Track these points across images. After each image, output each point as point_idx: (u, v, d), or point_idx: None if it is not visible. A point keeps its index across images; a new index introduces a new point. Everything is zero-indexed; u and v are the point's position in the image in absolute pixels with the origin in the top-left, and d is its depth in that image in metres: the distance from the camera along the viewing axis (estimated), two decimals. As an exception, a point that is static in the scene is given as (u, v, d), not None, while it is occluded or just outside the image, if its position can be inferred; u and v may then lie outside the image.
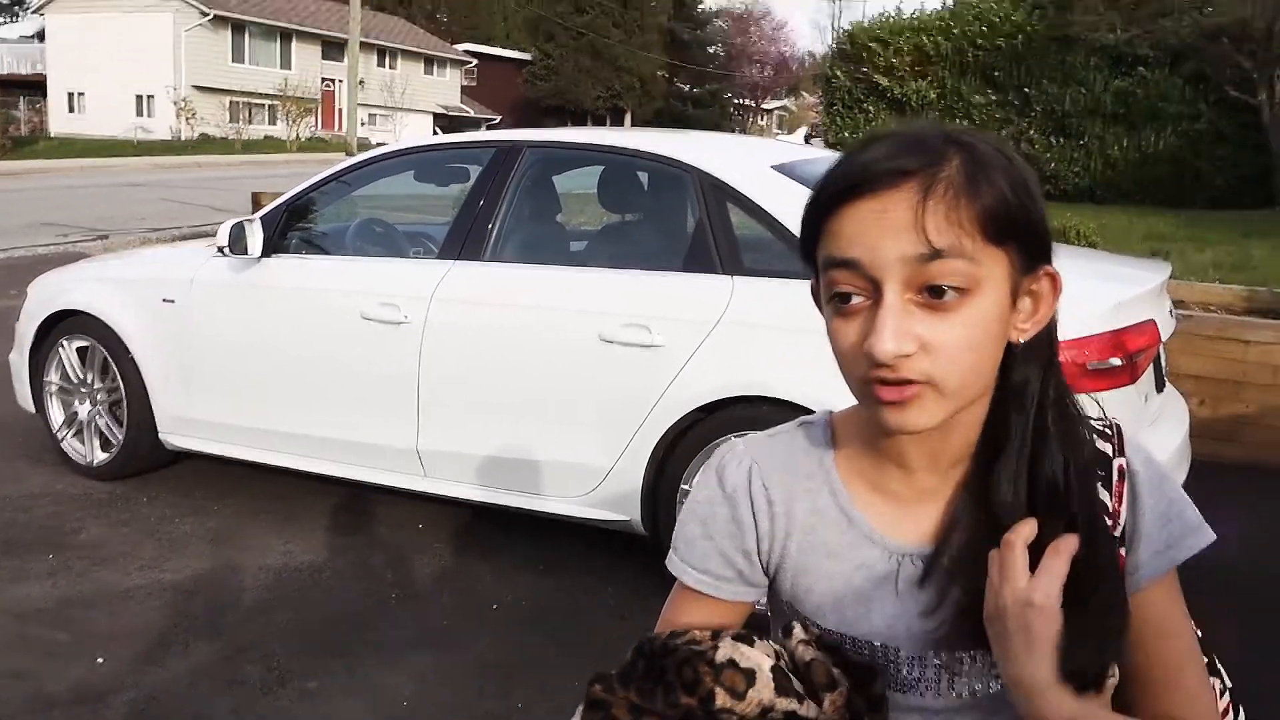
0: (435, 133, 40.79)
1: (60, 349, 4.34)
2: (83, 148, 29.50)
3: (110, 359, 4.21)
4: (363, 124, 34.86)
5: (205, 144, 33.42)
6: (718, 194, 3.35)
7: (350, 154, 16.61)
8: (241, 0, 39.12)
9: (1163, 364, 3.42)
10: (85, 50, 37.39)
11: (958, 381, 0.84)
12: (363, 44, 29.76)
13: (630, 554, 3.50)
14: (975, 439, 0.91)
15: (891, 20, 18.31)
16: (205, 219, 13.18)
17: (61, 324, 4.33)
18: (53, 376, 4.39)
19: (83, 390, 4.33)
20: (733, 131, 48.52)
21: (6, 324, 4.94)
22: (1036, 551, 0.85)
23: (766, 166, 3.47)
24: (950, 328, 0.82)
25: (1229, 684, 1.00)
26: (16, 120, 35.14)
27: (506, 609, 3.29)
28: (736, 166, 3.46)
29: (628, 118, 48.56)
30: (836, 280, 0.86)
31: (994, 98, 16.87)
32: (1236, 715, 1.00)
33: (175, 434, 4.15)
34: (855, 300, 0.85)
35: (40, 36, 42.43)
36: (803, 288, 0.96)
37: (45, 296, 4.43)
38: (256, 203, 8.79)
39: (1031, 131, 16.39)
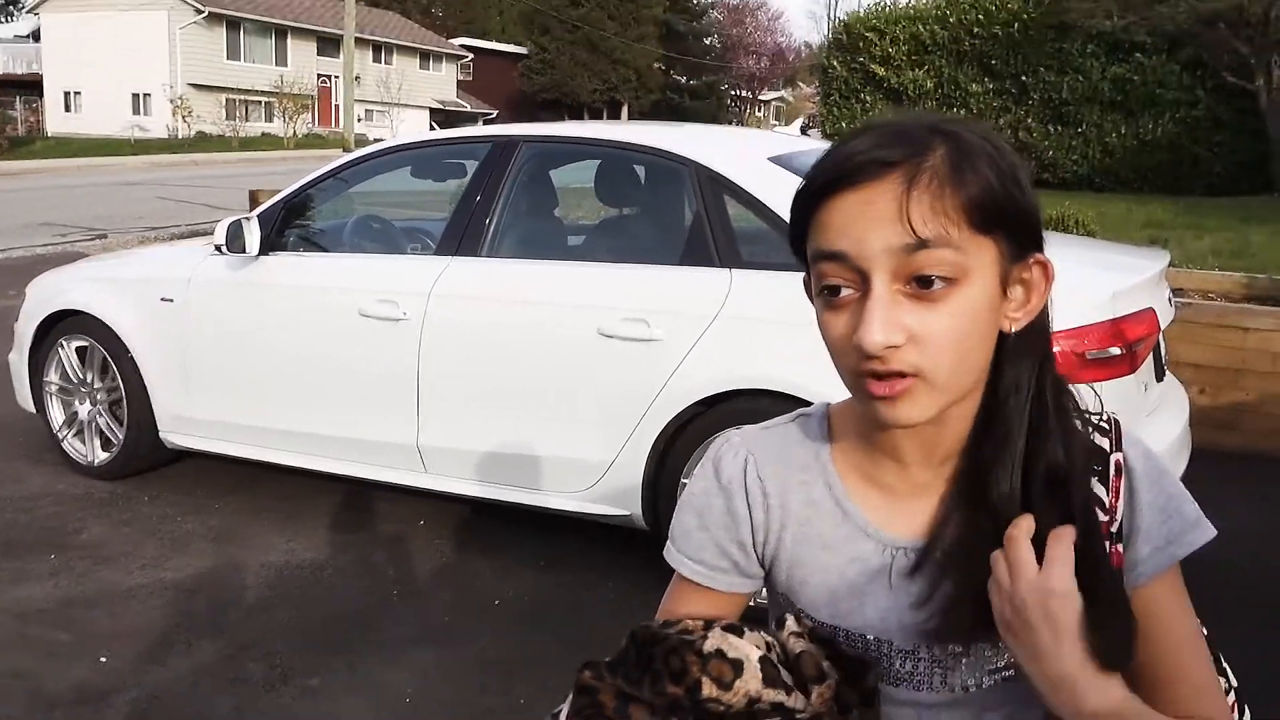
0: (432, 128, 40.74)
1: (60, 349, 4.34)
2: (79, 147, 29.45)
3: (110, 358, 4.21)
4: (359, 120, 34.83)
5: (202, 142, 33.37)
6: (715, 187, 3.35)
7: (347, 150, 16.60)
8: (236, -3, 39.06)
9: (1162, 352, 3.42)
10: (81, 49, 37.34)
11: (948, 372, 0.84)
12: (358, 39, 29.73)
13: (631, 549, 3.50)
14: (969, 432, 0.91)
15: (887, 9, 18.27)
16: (203, 217, 13.17)
17: (61, 324, 4.33)
18: (52, 376, 4.39)
19: (83, 390, 4.33)
20: (730, 123, 48.52)
21: (6, 324, 4.94)
22: (1034, 547, 0.85)
23: (763, 158, 3.46)
24: (939, 318, 0.82)
25: (1234, 683, 0.99)
26: (13, 120, 35.08)
27: (508, 605, 3.29)
28: (733, 159, 3.45)
29: (624, 111, 48.51)
30: (825, 273, 0.86)
31: (991, 86, 16.84)
32: (1242, 715, 0.99)
33: (175, 433, 4.15)
34: (844, 293, 0.85)
35: (35, 36, 42.39)
36: (801, 280, 0.96)
37: (44, 296, 4.43)
38: (254, 200, 8.78)
39: (1029, 120, 16.37)
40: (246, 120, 38.46)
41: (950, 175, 0.82)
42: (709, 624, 0.91)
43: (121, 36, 36.79)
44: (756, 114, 62.34)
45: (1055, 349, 2.88)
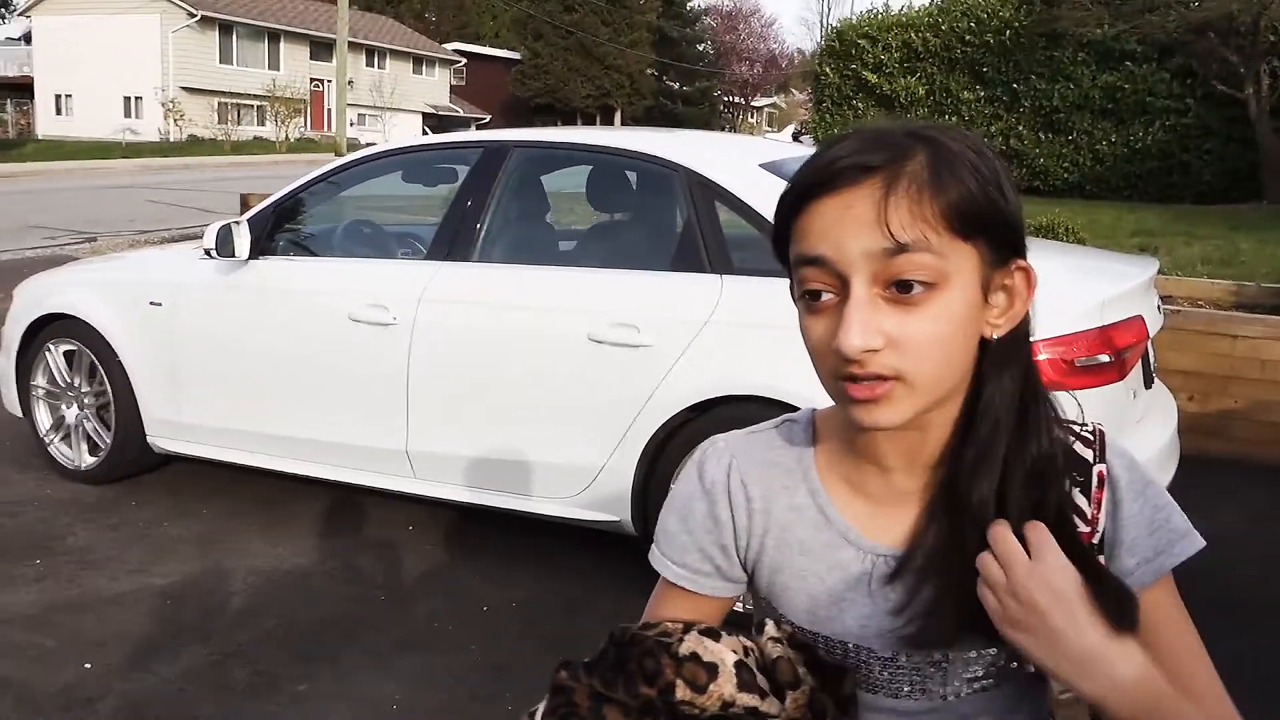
0: (424, 132, 40.75)
1: (47, 352, 4.32)
2: (70, 150, 29.37)
3: (97, 362, 4.19)
4: (352, 124, 34.85)
5: (194, 145, 33.30)
6: (706, 193, 3.35)
7: (339, 154, 16.58)
8: (229, 1, 38.99)
9: (1151, 360, 3.43)
10: (72, 52, 37.26)
11: (929, 376, 0.84)
12: (351, 44, 29.72)
13: (621, 554, 3.49)
14: (952, 440, 0.91)
15: (880, 17, 18.36)
16: (194, 221, 13.13)
17: (48, 327, 4.31)
18: (40, 380, 4.37)
19: (70, 394, 4.31)
20: (723, 129, 48.60)
21: (-7, 328, 4.91)
22: None
23: (754, 165, 3.47)
24: (919, 322, 0.82)
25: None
26: (4, 123, 35.04)
27: (496, 611, 3.28)
28: (724, 165, 3.45)
29: (617, 116, 48.55)
30: (806, 278, 0.86)
31: (982, 94, 16.91)
32: None
33: (163, 437, 4.13)
34: (825, 297, 0.85)
35: (27, 39, 42.26)
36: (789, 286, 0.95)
37: (32, 300, 4.40)
38: (245, 204, 8.76)
39: (1020, 127, 16.44)
40: (238, 124, 38.40)
41: (930, 180, 0.82)
42: (688, 627, 0.91)
43: (113, 39, 36.73)
44: (749, 120, 62.45)
45: (1044, 356, 2.88)
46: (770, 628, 0.93)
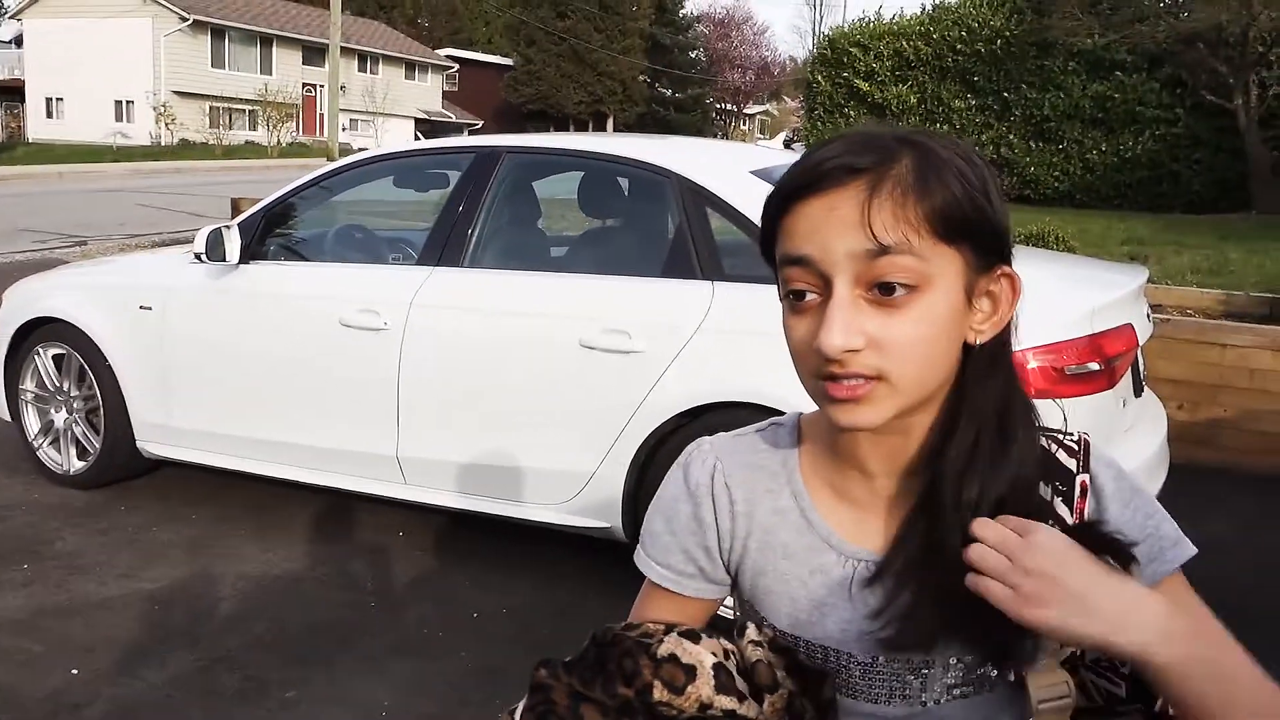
0: (417, 138, 40.72)
1: (36, 356, 4.30)
2: (61, 153, 29.28)
3: (87, 367, 4.17)
4: (344, 129, 34.80)
5: (185, 150, 33.21)
6: (697, 199, 3.35)
7: (331, 159, 16.54)
8: (221, 5, 38.94)
9: (1141, 368, 3.44)
10: (64, 55, 37.16)
11: (910, 377, 0.84)
12: (344, 49, 29.70)
13: (612, 561, 3.49)
14: (934, 445, 0.91)
15: (872, 25, 18.39)
16: (185, 225, 13.09)
17: (37, 331, 4.29)
18: (28, 384, 4.35)
19: (59, 398, 4.29)
20: (715, 136, 48.66)
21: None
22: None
23: (746, 171, 3.47)
24: (900, 324, 0.83)
25: None
26: (-6, 126, 34.89)
27: (487, 616, 3.27)
28: (716, 172, 3.46)
29: (610, 123, 48.58)
30: (790, 278, 0.86)
31: (974, 102, 16.96)
32: None
33: (153, 442, 4.11)
34: (808, 297, 0.85)
35: (18, 42, 42.16)
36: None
37: (20, 303, 4.39)
38: (236, 209, 8.74)
39: (1011, 136, 16.48)
40: (230, 128, 38.33)
41: (914, 184, 0.83)
42: (669, 628, 0.91)
43: (105, 43, 36.64)
44: (741, 128, 62.56)
45: (1034, 364, 2.88)
46: (751, 631, 0.93)
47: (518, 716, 0.92)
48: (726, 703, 0.86)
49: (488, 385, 3.46)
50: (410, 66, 47.65)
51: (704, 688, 0.86)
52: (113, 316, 4.12)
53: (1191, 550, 0.92)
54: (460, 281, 3.58)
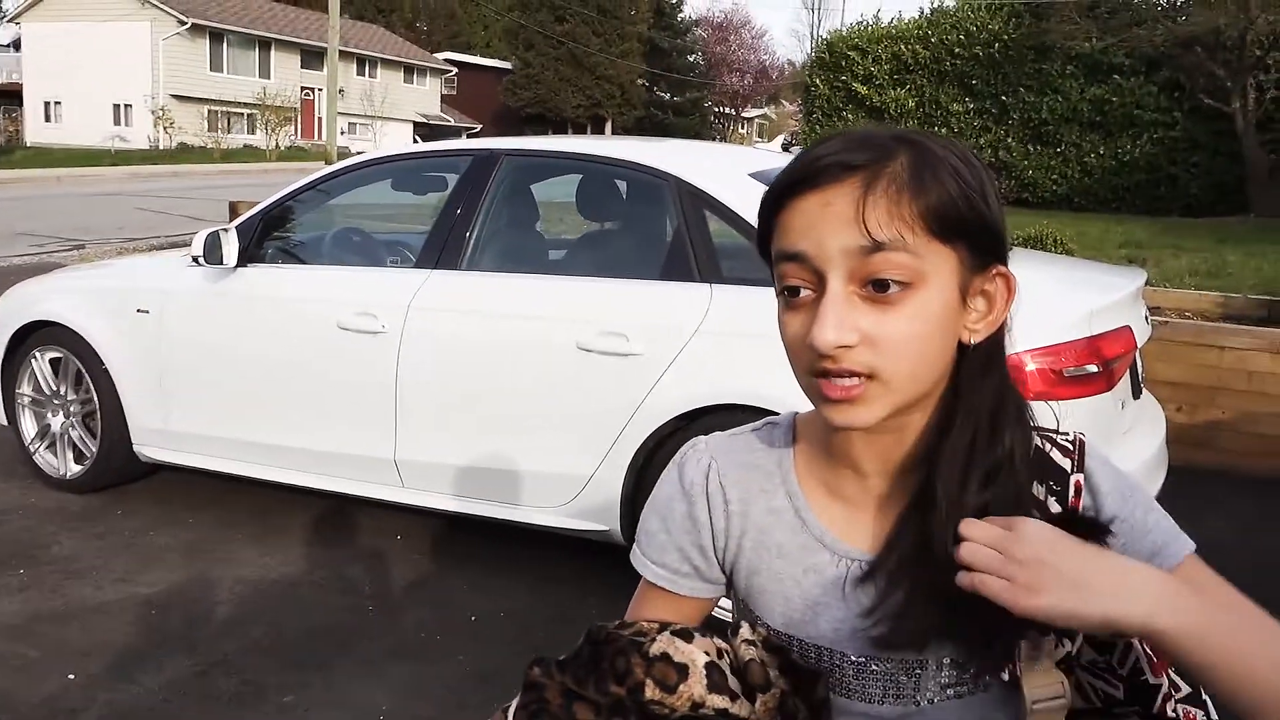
0: (415, 141, 40.73)
1: (33, 360, 4.29)
2: (59, 157, 29.29)
3: (84, 370, 4.16)
4: (342, 133, 34.74)
5: (183, 153, 33.22)
6: (695, 202, 3.35)
7: (329, 163, 16.53)
8: (220, 9, 38.95)
9: (1139, 370, 3.44)
10: (62, 59, 37.14)
11: (903, 375, 0.84)
12: (342, 53, 29.68)
13: (610, 564, 3.48)
14: (927, 445, 0.91)
15: (870, 29, 18.43)
16: (183, 229, 13.09)
17: (34, 335, 4.29)
18: (25, 388, 4.34)
19: (56, 402, 4.28)
20: (713, 140, 48.69)
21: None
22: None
23: (744, 174, 3.47)
24: (894, 321, 0.83)
25: (1214, 716, 0.96)
26: (-8, 130, 34.89)
27: (485, 620, 3.27)
28: (714, 174, 3.45)
29: (608, 126, 48.62)
30: (785, 273, 0.87)
31: (971, 106, 17.00)
32: None
33: (150, 446, 4.10)
34: (803, 293, 0.86)
35: (16, 45, 42.15)
36: None
37: (17, 307, 4.38)
38: (234, 212, 8.73)
39: (1009, 139, 16.52)
40: (229, 132, 38.33)
41: (910, 182, 0.83)
42: (663, 627, 0.91)
43: (103, 47, 36.63)
44: (740, 131, 62.61)
45: (1032, 366, 2.88)
46: (745, 630, 0.93)
47: (511, 714, 0.92)
48: (719, 701, 0.86)
49: (486, 388, 3.46)
50: (409, 70, 47.67)
51: (696, 686, 0.86)
52: (110, 320, 4.11)
53: (1190, 545, 0.92)
54: (458, 284, 3.58)
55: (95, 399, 4.14)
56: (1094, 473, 0.93)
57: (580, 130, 46.61)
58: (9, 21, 39.83)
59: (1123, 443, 3.16)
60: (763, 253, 0.92)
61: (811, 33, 58.80)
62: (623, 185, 3.92)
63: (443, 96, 50.55)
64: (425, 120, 46.99)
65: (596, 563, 3.54)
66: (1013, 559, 0.81)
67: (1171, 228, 11.97)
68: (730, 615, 1.03)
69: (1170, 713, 0.94)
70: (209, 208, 14.97)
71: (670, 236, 3.51)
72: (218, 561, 3.65)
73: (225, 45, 39.50)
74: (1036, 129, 16.29)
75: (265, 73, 40.52)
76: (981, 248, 0.86)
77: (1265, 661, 0.80)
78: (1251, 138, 13.86)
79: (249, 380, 3.87)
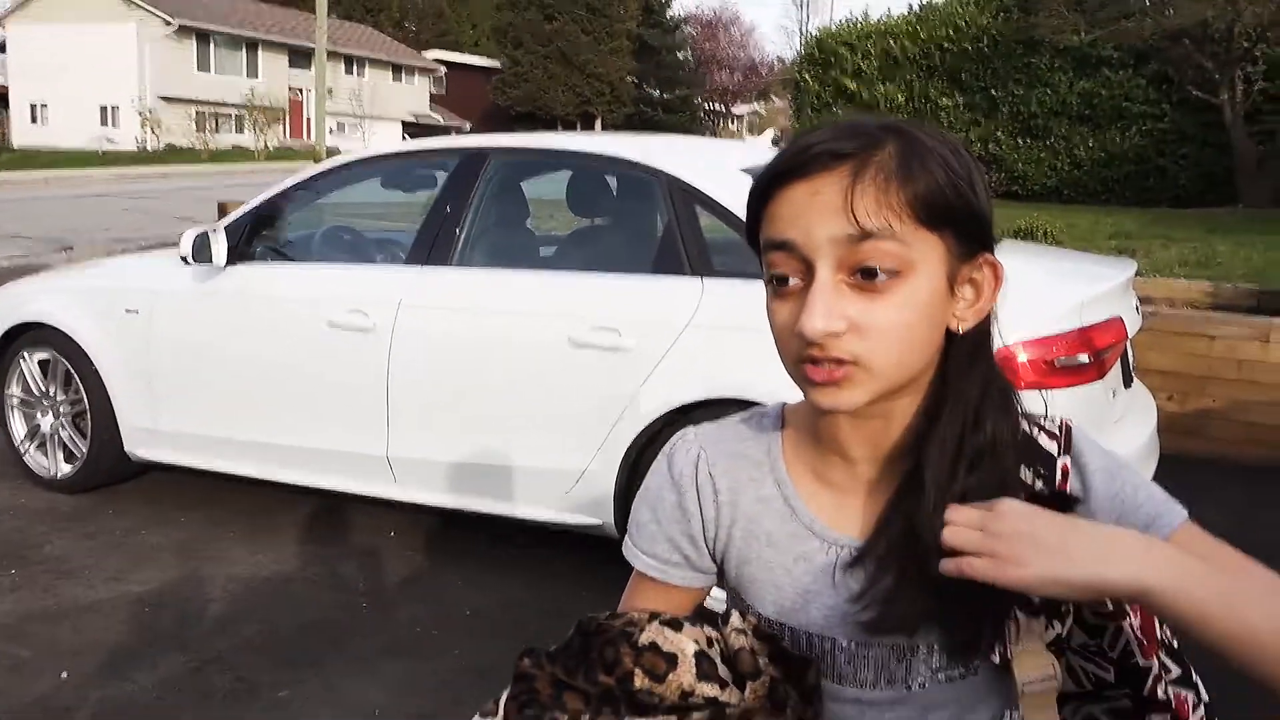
0: (404, 140, 40.60)
1: (22, 361, 4.28)
2: (47, 159, 29.16)
3: (73, 371, 4.14)
4: (331, 133, 34.64)
5: (172, 154, 33.13)
6: (686, 197, 3.34)
7: (318, 163, 16.48)
8: (206, 10, 38.83)
9: (1130, 360, 3.45)
10: (48, 61, 37.01)
11: (889, 362, 0.84)
12: (330, 52, 29.58)
13: (604, 558, 3.48)
14: (916, 431, 0.91)
15: (859, 25, 18.44)
16: (171, 229, 13.03)
17: (23, 336, 4.27)
18: (14, 389, 4.32)
19: (45, 403, 4.27)
20: (703, 136, 48.57)
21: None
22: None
23: (735, 169, 3.47)
24: (883, 309, 0.83)
25: (1205, 698, 0.97)
26: (-22, 133, 34.72)
27: (479, 616, 3.26)
28: (704, 169, 3.45)
29: (598, 124, 48.56)
30: (774, 262, 0.87)
31: (961, 100, 17.01)
32: None
33: (141, 446, 4.09)
34: (792, 282, 0.86)
35: (1, 48, 41.94)
36: None
37: (5, 308, 4.35)
38: (223, 212, 8.70)
39: (999, 133, 16.54)
40: (217, 133, 38.21)
41: (898, 170, 0.83)
42: (653, 617, 0.91)
43: (89, 49, 36.50)
44: (730, 128, 62.60)
45: (1024, 357, 2.88)
46: (735, 619, 0.93)
47: (501, 705, 0.92)
48: (708, 690, 0.87)
49: (477, 384, 3.45)
50: (397, 69, 47.59)
51: (685, 675, 0.86)
52: (99, 320, 4.09)
53: (1183, 513, 0.92)
54: (449, 281, 3.57)
55: (85, 399, 4.12)
56: (1082, 453, 0.93)
57: (570, 128, 46.54)
58: (-6, 24, 39.65)
59: (1114, 431, 3.17)
60: (751, 242, 0.92)
61: (800, 29, 58.85)
62: (612, 181, 3.91)
63: (432, 96, 50.48)
64: (414, 120, 46.89)
65: (591, 557, 3.54)
66: (994, 535, 0.82)
67: (1161, 218, 12.00)
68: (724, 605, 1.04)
69: (1161, 695, 0.94)
70: (198, 208, 14.91)
71: (661, 231, 3.51)
72: (210, 560, 3.64)
73: (212, 46, 39.39)
74: (1026, 122, 16.32)
75: (253, 73, 40.43)
76: (969, 236, 0.87)
77: (1261, 613, 0.80)
78: (1239, 129, 13.90)
79: (239, 379, 3.86)
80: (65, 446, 4.24)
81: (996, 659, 0.90)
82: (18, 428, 4.33)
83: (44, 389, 4.26)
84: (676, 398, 3.13)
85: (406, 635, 3.13)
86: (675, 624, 0.90)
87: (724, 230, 3.31)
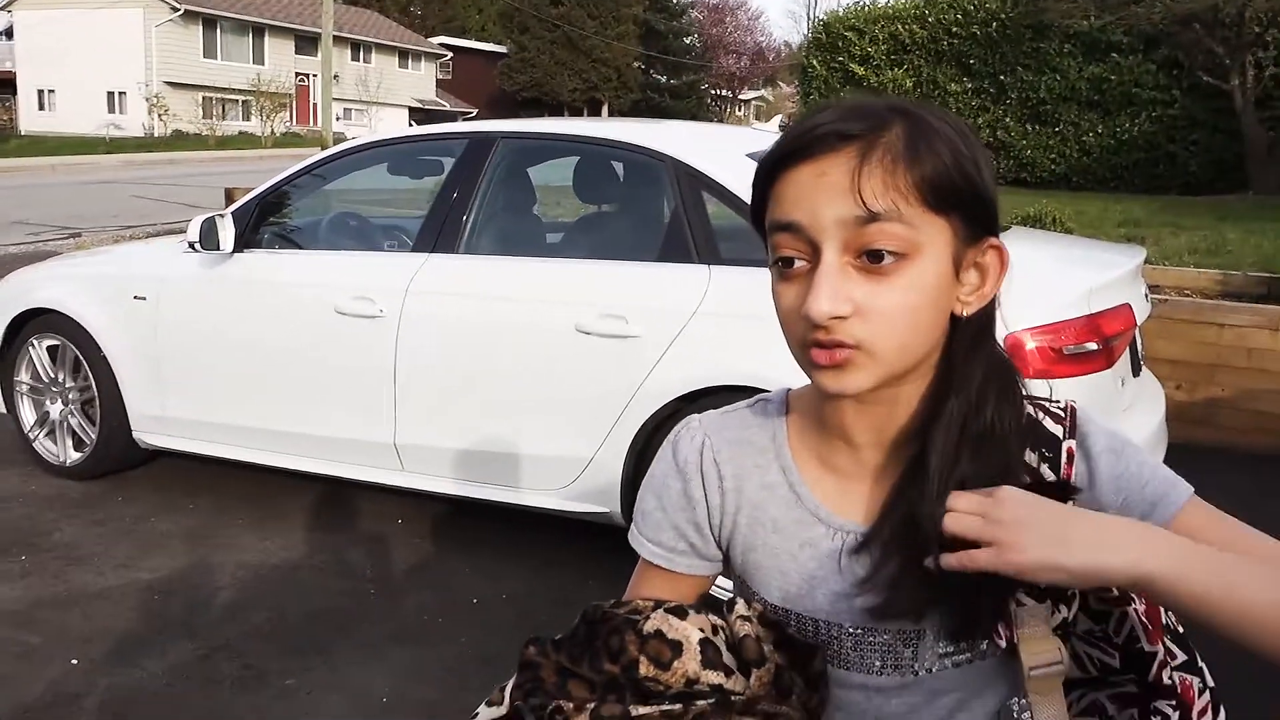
0: (411, 126, 40.55)
1: (31, 348, 4.29)
2: (54, 145, 29.16)
3: (82, 358, 4.15)
4: (338, 119, 34.68)
5: (179, 140, 33.10)
6: (693, 183, 3.33)
7: (325, 149, 16.47)
8: (213, -5, 38.75)
9: (1139, 348, 3.44)
10: (55, 47, 36.97)
11: (895, 345, 0.84)
12: (336, 38, 29.59)
13: (611, 546, 3.48)
14: (920, 416, 0.91)
15: (867, 9, 18.33)
16: (179, 216, 13.05)
17: (32, 322, 4.28)
18: (23, 376, 4.34)
19: (54, 389, 4.28)
20: (710, 122, 48.49)
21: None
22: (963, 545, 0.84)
23: (742, 155, 3.45)
24: (888, 292, 0.83)
25: (1210, 683, 0.97)
26: (-14, 118, 34.74)
27: (486, 603, 3.27)
28: (711, 155, 3.44)
29: (604, 109, 48.45)
30: (779, 244, 0.86)
31: (969, 85, 16.91)
32: (1216, 715, 0.98)
33: (149, 432, 4.10)
34: (797, 264, 0.85)
35: (9, 34, 41.92)
36: None
37: (14, 295, 4.37)
38: (230, 198, 8.70)
39: (1007, 119, 16.45)
40: (223, 119, 38.16)
41: (905, 152, 0.82)
42: (658, 605, 0.91)
43: (96, 34, 36.45)
44: (737, 113, 62.41)
45: (1032, 344, 2.87)
46: (740, 606, 0.93)
47: (507, 693, 0.92)
48: (713, 677, 0.87)
49: (484, 371, 3.45)
50: (403, 55, 47.47)
51: (690, 663, 0.86)
52: (107, 307, 4.10)
53: (1189, 490, 0.92)
54: (456, 267, 3.57)
55: (93, 386, 4.13)
56: (1087, 436, 0.93)
57: (576, 114, 46.45)
58: (1, 10, 39.60)
59: (1123, 420, 3.16)
60: (756, 225, 0.91)
61: (808, 13, 58.53)
62: (619, 167, 3.90)
63: (438, 81, 50.35)
64: (421, 105, 46.82)
65: (597, 545, 3.54)
66: (995, 522, 0.82)
67: (1170, 205, 11.94)
68: (730, 593, 1.03)
69: (1166, 680, 0.94)
70: (205, 195, 14.91)
71: (668, 218, 3.50)
72: (218, 547, 3.65)
73: (219, 31, 39.31)
74: (1035, 108, 16.22)
75: (259, 59, 40.34)
76: (975, 219, 0.86)
77: (1264, 592, 0.80)
78: (1250, 115, 13.80)
79: (247, 365, 3.87)
80: (74, 433, 4.26)
81: (1003, 643, 0.90)
82: (27, 415, 4.34)
83: (53, 375, 4.28)
84: (683, 385, 3.13)
85: (414, 623, 3.14)
86: (680, 611, 0.90)
87: (731, 217, 3.30)
